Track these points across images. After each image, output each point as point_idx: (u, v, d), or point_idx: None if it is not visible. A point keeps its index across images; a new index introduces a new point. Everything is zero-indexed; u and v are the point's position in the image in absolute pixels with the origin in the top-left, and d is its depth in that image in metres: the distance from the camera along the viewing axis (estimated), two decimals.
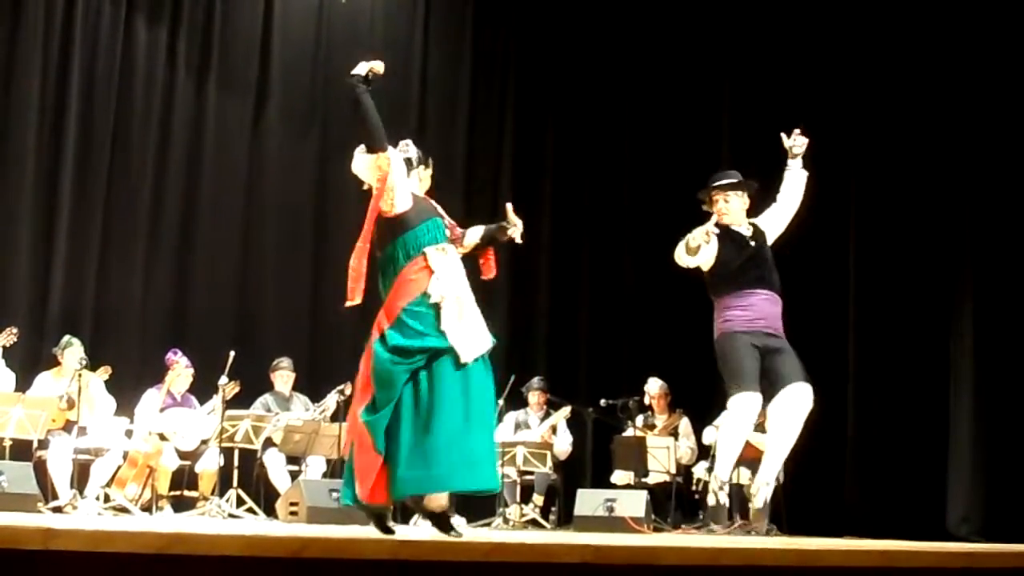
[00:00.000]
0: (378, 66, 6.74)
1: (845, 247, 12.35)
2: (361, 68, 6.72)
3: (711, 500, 8.36)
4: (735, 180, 8.55)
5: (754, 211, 8.66)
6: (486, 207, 14.02)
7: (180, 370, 11.79)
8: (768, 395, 8.18)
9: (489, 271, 7.00)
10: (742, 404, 8.14)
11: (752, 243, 8.37)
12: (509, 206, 6.97)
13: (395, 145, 6.72)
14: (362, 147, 6.68)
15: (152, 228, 13.21)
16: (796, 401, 8.08)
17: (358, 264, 6.56)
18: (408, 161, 6.73)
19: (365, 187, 6.75)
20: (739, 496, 11.11)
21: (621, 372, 14.11)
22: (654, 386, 12.72)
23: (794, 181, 8.58)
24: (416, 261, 6.50)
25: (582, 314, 14.82)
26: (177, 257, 13.32)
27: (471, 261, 6.89)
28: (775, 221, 8.62)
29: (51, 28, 12.81)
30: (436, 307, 6.44)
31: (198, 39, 13.61)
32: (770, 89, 13.25)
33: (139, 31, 13.29)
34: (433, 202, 6.81)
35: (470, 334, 6.46)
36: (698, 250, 8.07)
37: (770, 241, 8.52)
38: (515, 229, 6.94)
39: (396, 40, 14.40)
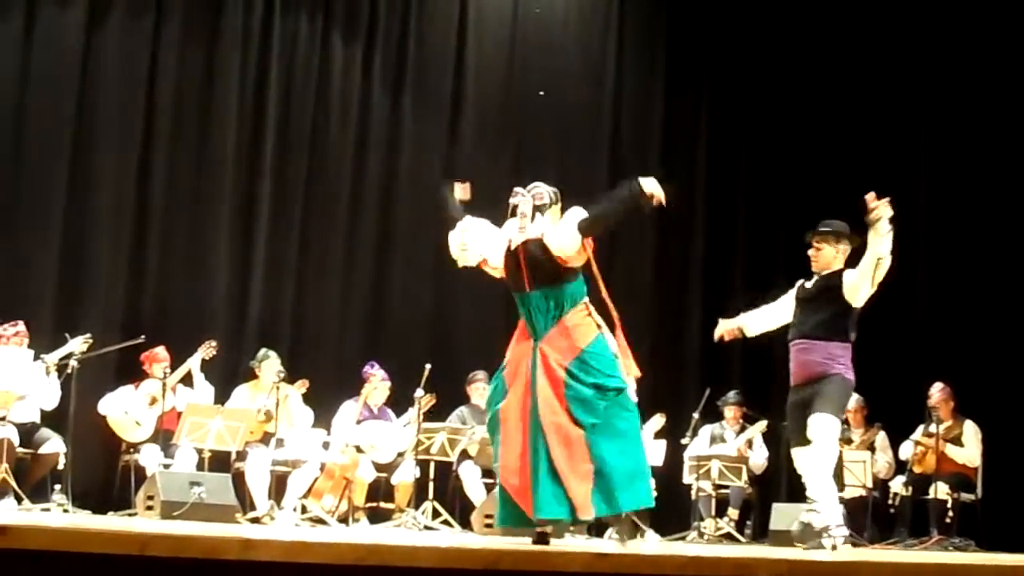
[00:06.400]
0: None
1: None
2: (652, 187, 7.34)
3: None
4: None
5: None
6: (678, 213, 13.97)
7: (376, 383, 11.89)
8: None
9: None
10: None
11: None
12: None
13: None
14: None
15: (348, 242, 13.36)
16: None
17: None
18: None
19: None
20: (937, 510, 11.49)
21: None
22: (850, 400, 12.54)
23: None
24: (579, 309, 7.34)
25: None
26: (374, 271, 13.45)
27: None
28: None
29: (249, 44, 12.99)
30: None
31: (393, 55, 13.71)
32: None
33: (336, 47, 13.43)
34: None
35: None
36: None
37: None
38: None
39: (589, 48, 14.45)
